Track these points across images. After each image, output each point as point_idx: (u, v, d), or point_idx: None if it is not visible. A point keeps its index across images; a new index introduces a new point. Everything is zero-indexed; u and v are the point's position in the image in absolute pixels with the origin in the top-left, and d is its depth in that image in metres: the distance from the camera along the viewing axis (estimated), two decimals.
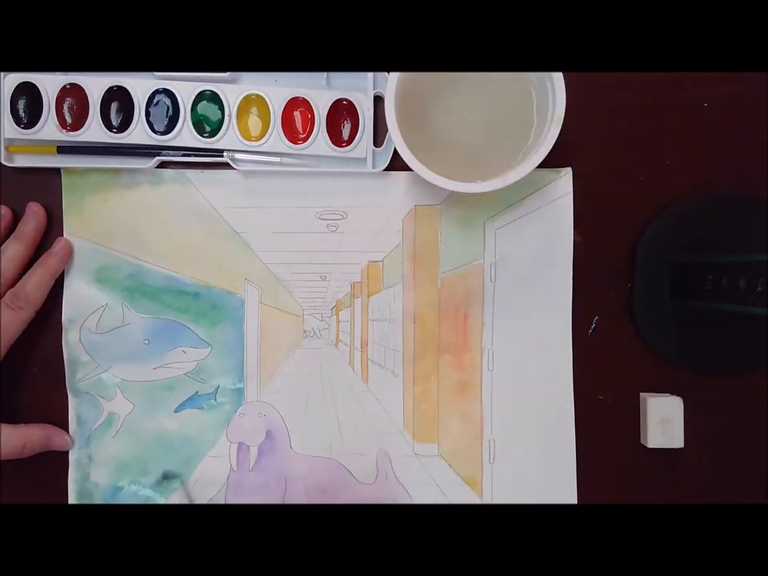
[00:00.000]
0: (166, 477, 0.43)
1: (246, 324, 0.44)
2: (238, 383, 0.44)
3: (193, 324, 0.44)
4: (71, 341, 0.43)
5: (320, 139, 0.42)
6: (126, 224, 0.43)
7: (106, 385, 0.44)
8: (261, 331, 0.44)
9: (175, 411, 0.44)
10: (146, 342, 0.44)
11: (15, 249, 0.41)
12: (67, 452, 0.43)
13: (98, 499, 0.44)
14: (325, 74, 0.43)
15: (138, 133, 0.42)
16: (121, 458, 0.44)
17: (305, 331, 0.45)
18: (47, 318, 0.43)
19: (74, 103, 0.42)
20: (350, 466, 0.44)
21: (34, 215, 0.42)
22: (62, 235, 0.43)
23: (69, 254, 0.43)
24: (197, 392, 0.44)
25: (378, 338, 0.45)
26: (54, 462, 0.43)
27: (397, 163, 0.43)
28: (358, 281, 0.44)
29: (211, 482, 0.44)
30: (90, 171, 0.43)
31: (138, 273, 0.43)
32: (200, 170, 0.43)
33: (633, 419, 0.44)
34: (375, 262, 0.44)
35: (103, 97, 0.42)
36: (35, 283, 0.41)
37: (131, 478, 0.44)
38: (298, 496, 0.44)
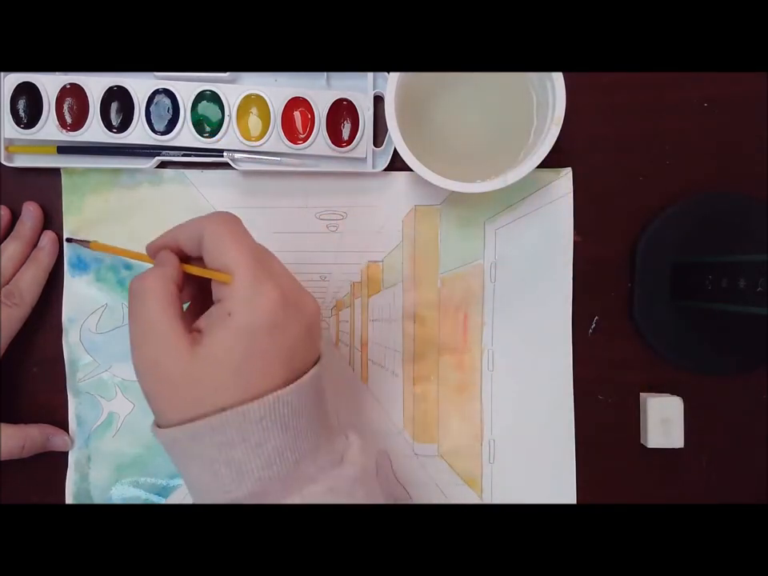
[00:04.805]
0: None
1: None
2: None
3: None
4: (71, 341, 0.43)
5: (320, 139, 0.42)
6: (126, 224, 0.43)
7: (107, 385, 0.44)
8: None
9: None
10: None
11: (14, 248, 0.41)
12: (67, 452, 0.43)
13: (97, 499, 0.43)
14: (325, 73, 0.43)
15: (138, 133, 0.42)
16: (120, 457, 0.44)
17: None
18: (47, 317, 0.43)
19: (73, 103, 0.42)
20: None
21: (30, 214, 0.42)
22: (63, 235, 0.43)
23: (57, 246, 0.43)
24: None
25: (378, 338, 0.45)
26: (54, 463, 0.43)
27: (397, 163, 0.43)
28: (358, 281, 0.44)
29: None
30: (89, 171, 0.43)
31: (138, 273, 0.43)
32: (200, 170, 0.43)
33: (633, 419, 0.44)
34: (375, 262, 0.44)
35: (103, 97, 0.42)
36: (29, 280, 0.41)
37: (130, 478, 0.44)
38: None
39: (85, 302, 0.43)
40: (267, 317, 0.28)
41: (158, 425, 0.29)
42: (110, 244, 0.40)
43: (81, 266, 0.43)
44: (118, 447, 0.44)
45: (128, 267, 0.43)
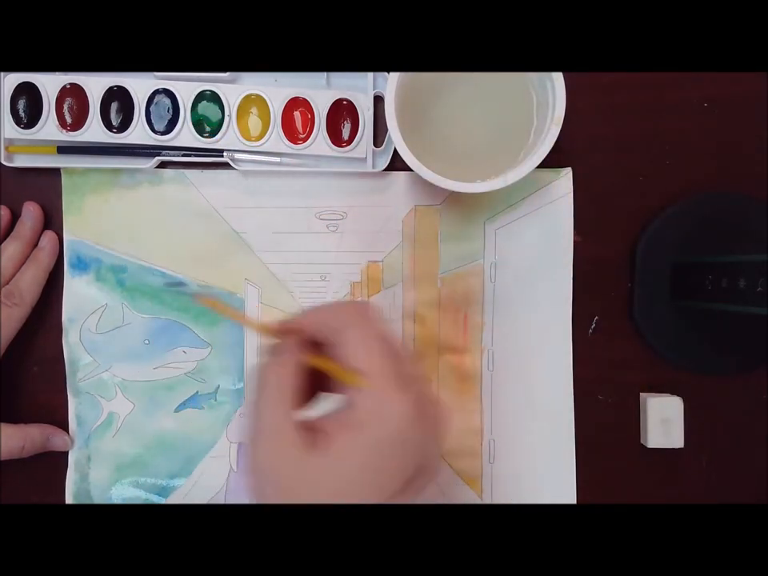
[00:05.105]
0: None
1: None
2: (239, 383, 0.44)
3: (193, 324, 0.44)
4: (71, 341, 0.43)
5: (320, 139, 0.42)
6: (126, 224, 0.43)
7: (107, 385, 0.44)
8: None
9: (175, 411, 0.44)
10: (147, 341, 0.44)
11: (14, 248, 0.41)
12: (67, 452, 0.43)
13: (97, 500, 0.44)
14: (325, 73, 0.43)
15: (138, 133, 0.42)
16: (120, 457, 0.44)
17: None
18: (47, 317, 0.43)
19: (73, 103, 0.42)
20: None
21: (30, 214, 0.42)
22: (63, 235, 0.43)
23: (57, 246, 0.43)
24: (197, 392, 0.44)
25: None
26: (54, 462, 0.43)
27: (397, 163, 0.43)
28: (358, 281, 0.44)
29: (211, 482, 0.44)
30: (90, 171, 0.43)
31: (138, 273, 0.43)
32: (200, 170, 0.43)
33: (633, 419, 0.44)
34: (375, 262, 0.44)
35: (103, 97, 0.42)
36: (29, 280, 0.41)
37: (130, 478, 0.44)
38: None
39: (85, 302, 0.43)
40: (398, 434, 0.26)
41: None
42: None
43: (81, 266, 0.43)
44: (117, 447, 0.44)
45: (124, 270, 0.43)
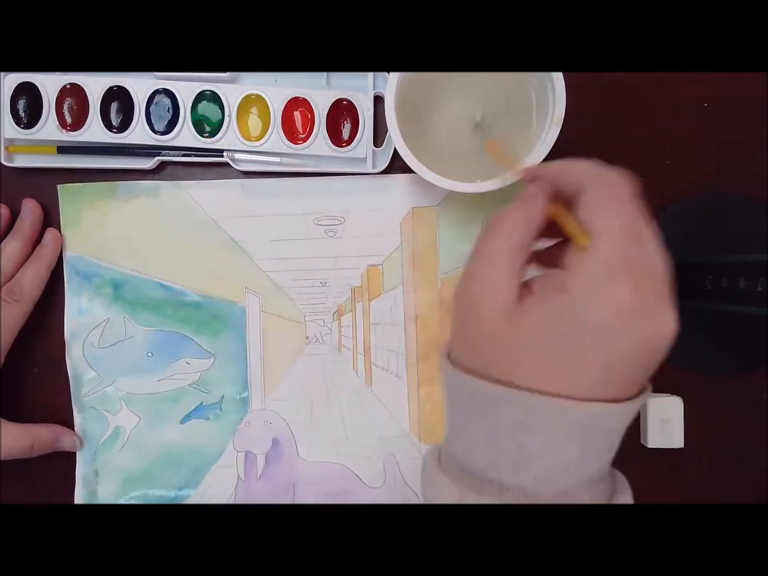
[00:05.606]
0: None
1: (248, 333, 0.44)
2: (243, 392, 0.44)
3: (195, 335, 0.44)
4: (74, 356, 0.43)
5: (320, 139, 0.42)
6: (125, 237, 0.43)
7: (111, 399, 0.43)
8: (263, 339, 0.44)
9: (181, 422, 0.44)
10: (150, 354, 0.44)
11: (14, 246, 0.41)
12: (74, 460, 0.43)
13: None
14: (325, 74, 0.43)
15: (138, 133, 0.42)
16: (128, 471, 0.43)
17: (307, 337, 0.45)
18: (48, 317, 0.43)
19: (73, 103, 0.42)
20: (358, 470, 0.44)
21: (29, 211, 0.42)
22: (61, 250, 0.43)
23: (59, 243, 0.42)
24: (202, 402, 0.44)
25: (381, 342, 0.44)
26: (59, 463, 0.43)
27: (397, 163, 0.43)
28: (359, 285, 0.44)
29: (219, 491, 0.43)
30: (86, 186, 0.43)
31: (138, 286, 0.43)
32: (197, 180, 0.43)
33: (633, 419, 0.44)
34: (375, 265, 0.44)
35: (103, 97, 0.41)
36: (30, 276, 0.41)
37: (139, 492, 0.43)
38: (307, 502, 0.44)
39: (86, 316, 0.43)
40: (605, 318, 0.24)
41: (450, 358, 0.27)
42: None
43: (81, 281, 0.43)
44: (125, 461, 0.43)
45: (124, 284, 0.43)
